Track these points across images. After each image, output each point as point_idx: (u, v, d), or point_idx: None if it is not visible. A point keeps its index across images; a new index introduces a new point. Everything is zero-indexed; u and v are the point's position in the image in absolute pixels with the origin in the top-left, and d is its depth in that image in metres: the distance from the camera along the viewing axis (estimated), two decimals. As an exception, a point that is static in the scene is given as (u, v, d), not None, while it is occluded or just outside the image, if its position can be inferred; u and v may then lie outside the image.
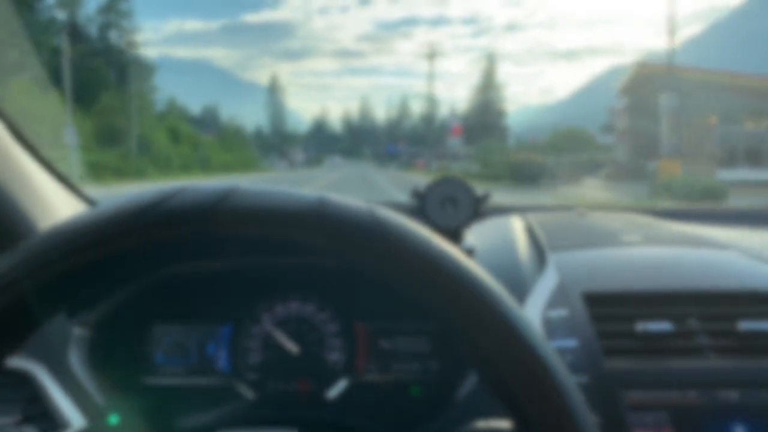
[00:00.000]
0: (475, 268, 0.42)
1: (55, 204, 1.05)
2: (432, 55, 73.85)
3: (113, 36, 45.66)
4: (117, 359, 0.95)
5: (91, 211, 0.43)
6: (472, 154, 47.49)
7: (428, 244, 0.41)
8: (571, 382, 0.40)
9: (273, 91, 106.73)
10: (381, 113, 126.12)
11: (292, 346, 0.96)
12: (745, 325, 0.75)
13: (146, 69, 45.69)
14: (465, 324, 0.40)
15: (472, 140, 55.28)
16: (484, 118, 65.61)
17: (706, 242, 1.03)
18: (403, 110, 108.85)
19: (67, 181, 1.16)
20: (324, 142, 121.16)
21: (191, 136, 46.48)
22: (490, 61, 76.41)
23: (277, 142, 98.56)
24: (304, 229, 0.41)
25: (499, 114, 70.02)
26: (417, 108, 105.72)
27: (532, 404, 0.39)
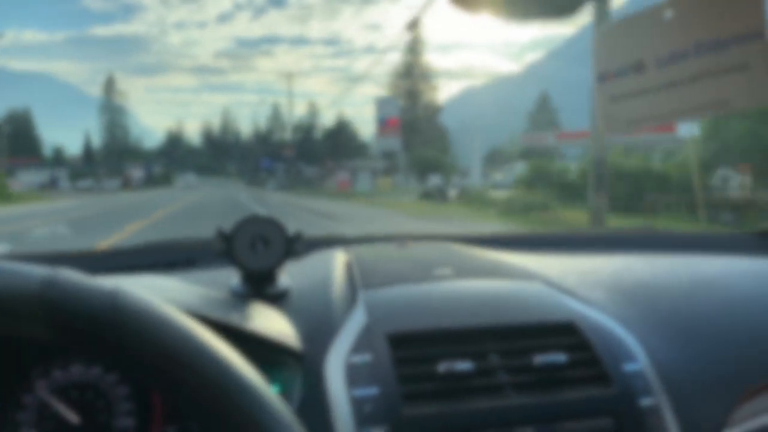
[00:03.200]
0: (226, 358, 0.39)
1: None
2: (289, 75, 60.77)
3: None
4: None
5: None
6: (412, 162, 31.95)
7: (174, 336, 0.37)
8: None
9: (108, 95, 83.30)
10: (246, 127, 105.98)
11: (72, 416, 0.80)
12: (538, 359, 0.75)
13: None
14: (203, 421, 0.37)
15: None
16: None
17: (512, 273, 1.00)
18: (275, 121, 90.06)
19: None
20: (178, 159, 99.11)
21: None
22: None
23: (113, 158, 75.71)
24: (16, 317, 0.35)
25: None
26: (294, 115, 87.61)
27: None
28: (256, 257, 0.92)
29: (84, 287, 0.36)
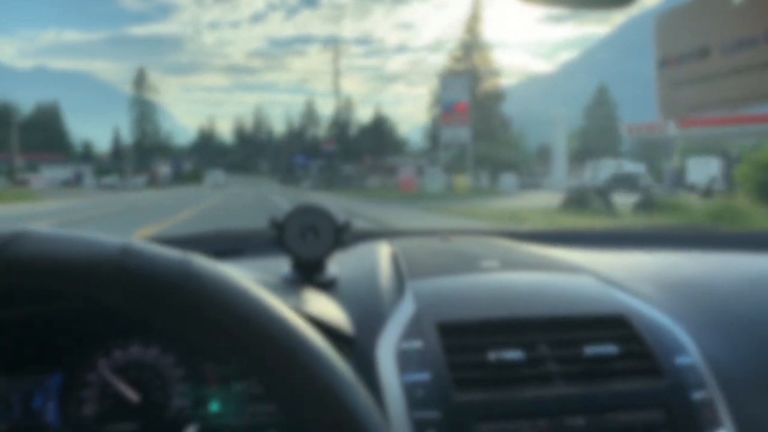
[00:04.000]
0: (295, 323, 0.40)
1: None
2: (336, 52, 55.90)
3: None
4: None
5: None
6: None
7: (245, 302, 0.38)
8: (379, 426, 0.39)
9: (139, 89, 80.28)
10: (279, 126, 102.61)
11: (132, 395, 0.87)
12: (589, 351, 0.75)
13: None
14: (277, 390, 0.38)
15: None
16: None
17: (561, 266, 1.01)
18: (309, 117, 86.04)
19: None
20: (209, 156, 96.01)
21: None
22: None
23: (142, 154, 72.54)
24: (98, 283, 0.36)
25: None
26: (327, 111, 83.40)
27: None
28: (307, 246, 0.94)
29: (158, 255, 0.38)
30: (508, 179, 33.55)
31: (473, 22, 52.74)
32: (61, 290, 0.36)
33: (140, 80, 79.74)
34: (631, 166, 35.00)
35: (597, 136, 60.72)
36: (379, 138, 65.88)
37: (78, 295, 0.37)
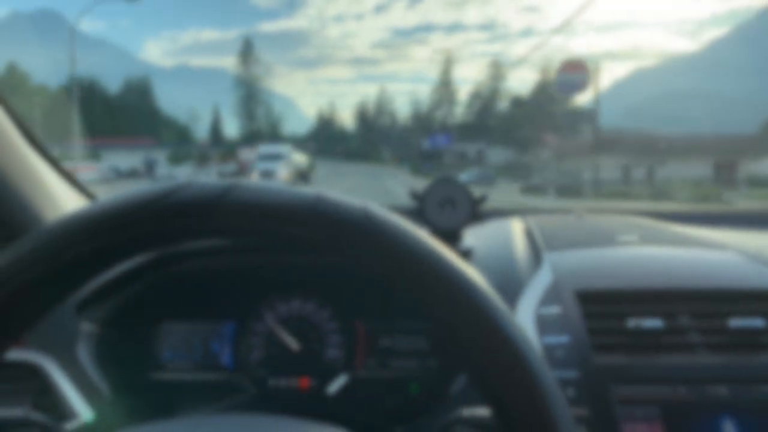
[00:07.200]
0: (463, 266, 0.42)
1: (60, 198, 1.06)
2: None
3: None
4: (124, 355, 0.96)
5: (97, 203, 0.43)
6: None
7: (418, 242, 0.41)
8: (550, 376, 0.40)
9: (245, 64, 67.46)
10: (403, 113, 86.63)
11: (293, 343, 0.97)
12: (735, 323, 0.74)
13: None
14: (450, 320, 0.40)
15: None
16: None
17: (703, 243, 1.00)
18: (443, 89, 68.88)
19: (71, 177, 1.16)
20: (328, 142, 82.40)
21: None
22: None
23: (248, 140, 59.58)
24: (299, 224, 0.41)
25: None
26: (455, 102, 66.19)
27: (510, 395, 0.39)
28: (444, 217, 1.00)
29: (342, 202, 0.42)
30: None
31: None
32: (267, 230, 0.41)
33: (246, 53, 67.02)
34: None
35: None
36: (545, 105, 47.38)
37: (281, 235, 0.41)
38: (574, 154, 27.18)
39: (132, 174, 37.41)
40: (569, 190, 22.42)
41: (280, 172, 26.97)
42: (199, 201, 0.41)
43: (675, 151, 25.48)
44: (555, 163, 29.49)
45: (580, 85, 26.91)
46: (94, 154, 42.06)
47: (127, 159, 42.86)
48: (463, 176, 32.74)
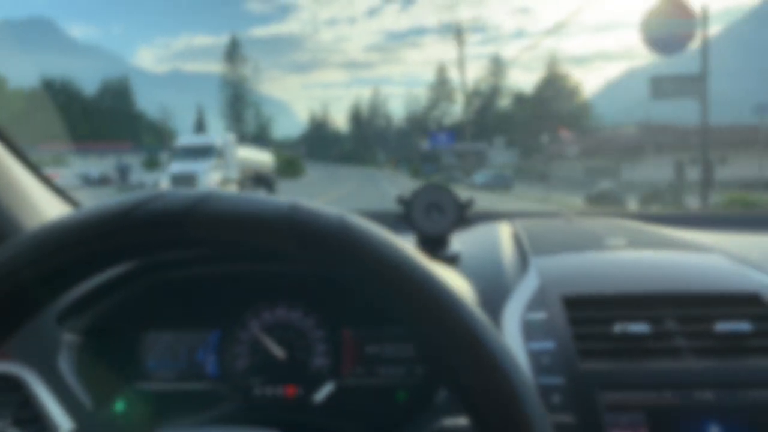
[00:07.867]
0: (440, 275, 0.42)
1: (41, 206, 1.05)
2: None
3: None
4: (107, 365, 0.94)
5: (74, 213, 0.43)
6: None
7: (394, 251, 0.41)
8: (527, 383, 0.39)
9: (232, 64, 63.91)
10: (398, 114, 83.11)
11: (278, 352, 0.96)
12: (721, 327, 0.74)
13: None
14: (425, 328, 0.40)
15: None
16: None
17: (690, 246, 1.00)
18: (440, 88, 65.52)
19: (51, 184, 1.15)
20: (318, 145, 78.93)
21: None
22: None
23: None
24: (274, 235, 0.40)
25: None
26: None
27: (486, 403, 0.38)
28: (431, 222, 0.99)
29: (318, 211, 0.42)
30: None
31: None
32: (240, 241, 0.41)
33: (233, 52, 63.47)
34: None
35: None
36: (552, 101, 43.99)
37: (254, 246, 0.41)
38: (606, 151, 23.58)
39: (103, 180, 33.68)
40: (658, 197, 17.78)
41: (207, 177, 17.59)
42: (170, 212, 0.41)
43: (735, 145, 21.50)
44: (581, 163, 25.85)
45: (683, 39, 16.63)
46: (59, 160, 38.32)
47: (101, 164, 39.09)
48: (477, 179, 29.22)
